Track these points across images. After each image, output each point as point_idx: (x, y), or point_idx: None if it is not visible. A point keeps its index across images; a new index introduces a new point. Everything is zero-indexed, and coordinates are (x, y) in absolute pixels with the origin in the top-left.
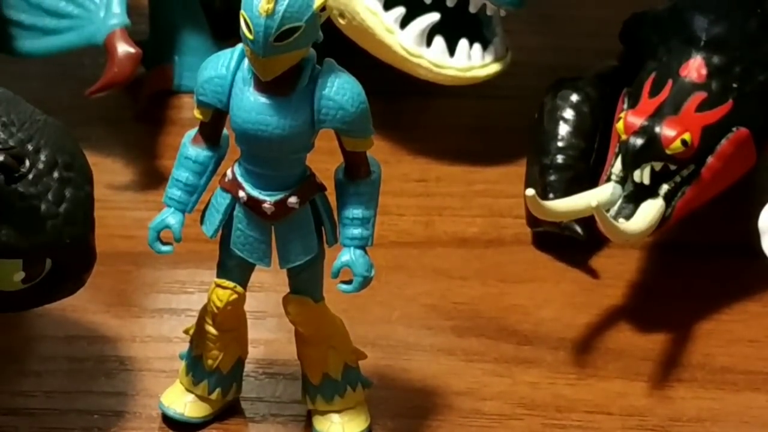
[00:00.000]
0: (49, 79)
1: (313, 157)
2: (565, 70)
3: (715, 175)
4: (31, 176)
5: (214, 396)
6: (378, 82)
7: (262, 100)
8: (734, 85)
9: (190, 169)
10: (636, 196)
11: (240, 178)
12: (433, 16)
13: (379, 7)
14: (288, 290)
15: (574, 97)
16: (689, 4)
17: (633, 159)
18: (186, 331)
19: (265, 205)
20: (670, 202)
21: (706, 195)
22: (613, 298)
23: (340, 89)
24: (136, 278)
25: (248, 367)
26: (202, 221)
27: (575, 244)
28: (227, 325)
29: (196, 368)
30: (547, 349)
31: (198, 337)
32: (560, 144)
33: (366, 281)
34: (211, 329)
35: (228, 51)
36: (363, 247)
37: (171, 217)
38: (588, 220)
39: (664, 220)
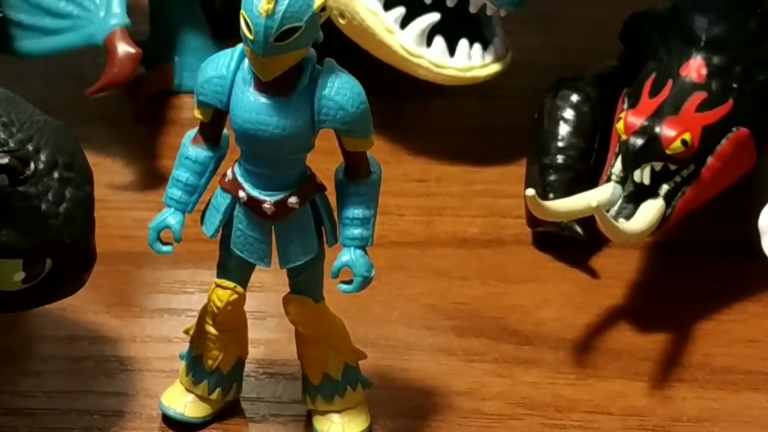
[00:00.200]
0: (49, 79)
1: (313, 157)
2: (565, 70)
3: (715, 175)
4: (31, 176)
5: (214, 396)
6: (378, 82)
7: (262, 100)
8: (734, 85)
9: (190, 169)
10: (636, 196)
11: (240, 178)
12: (433, 16)
13: (379, 7)
14: (288, 290)
15: (574, 97)
16: (689, 4)
17: (633, 159)
18: (186, 331)
19: (265, 205)
20: (670, 202)
21: (706, 195)
22: (613, 298)
23: (341, 89)
24: (136, 278)
25: (248, 367)
26: (202, 221)
27: (575, 244)
28: (227, 325)
29: (196, 368)
30: (547, 349)
31: (198, 337)
32: (560, 144)
33: (366, 281)
34: (211, 329)
35: (228, 51)
36: (363, 247)
37: (171, 217)
38: (588, 220)
39: (664, 220)
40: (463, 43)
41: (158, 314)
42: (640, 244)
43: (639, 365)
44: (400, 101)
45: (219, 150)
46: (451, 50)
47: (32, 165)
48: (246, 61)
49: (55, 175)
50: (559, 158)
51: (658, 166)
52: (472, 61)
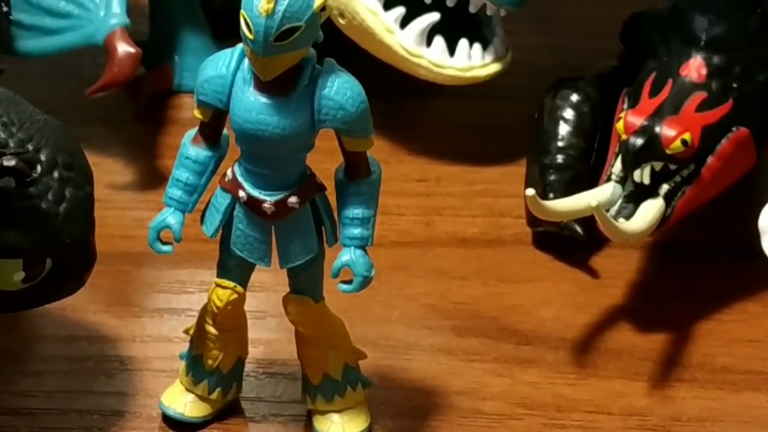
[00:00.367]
0: (49, 79)
1: (313, 157)
2: (565, 70)
3: (715, 175)
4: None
5: (214, 396)
6: (378, 82)
7: (262, 99)
8: (734, 85)
9: (190, 169)
10: (636, 196)
11: (240, 178)
12: (433, 16)
13: (379, 7)
14: (288, 290)
15: (574, 97)
16: (689, 4)
17: (633, 159)
18: (186, 331)
19: (265, 204)
20: (670, 202)
21: (706, 195)
22: (613, 298)
23: (340, 89)
24: (136, 278)
25: (248, 367)
26: (202, 221)
27: (575, 244)
28: (227, 324)
29: (196, 368)
30: (547, 349)
31: (198, 337)
32: (560, 144)
33: (366, 281)
34: (211, 329)
35: (228, 51)
36: (363, 247)
37: (171, 217)
38: (588, 220)
39: (664, 220)
40: (463, 43)
41: (158, 314)
42: (640, 244)
43: (639, 365)
44: (400, 101)
45: (219, 150)
46: (451, 50)
47: (39, 167)
48: (246, 61)
49: (55, 174)
50: (559, 158)
51: (658, 165)
52: (472, 61)
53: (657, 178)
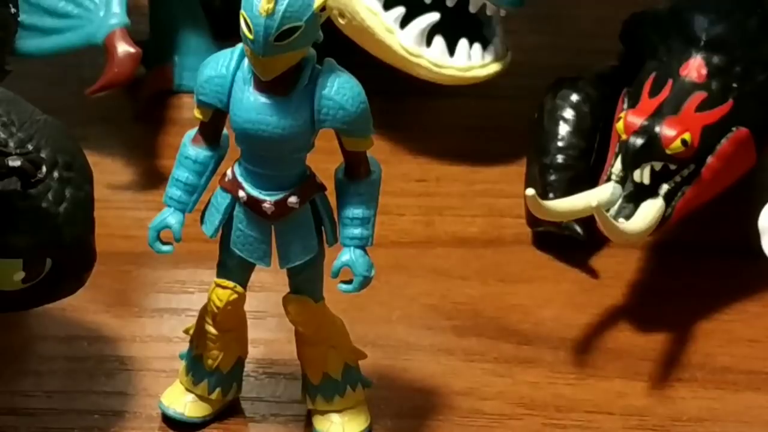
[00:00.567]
0: (49, 79)
1: (313, 157)
2: (565, 70)
3: (715, 175)
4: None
5: (214, 396)
6: (378, 82)
7: (262, 99)
8: (734, 85)
9: (190, 168)
10: (636, 196)
11: (240, 178)
12: (433, 16)
13: (379, 7)
14: (288, 290)
15: (574, 97)
16: (689, 4)
17: (633, 159)
18: (186, 331)
19: (265, 204)
20: (670, 202)
21: (706, 195)
22: (613, 298)
23: (340, 89)
24: (136, 278)
25: (248, 367)
26: (202, 221)
27: (575, 244)
28: (227, 324)
29: (196, 368)
30: (547, 349)
31: (198, 337)
32: (560, 144)
33: (366, 281)
34: (211, 329)
35: (228, 51)
36: (363, 247)
37: (171, 217)
38: (588, 220)
39: (664, 220)
40: (462, 42)
41: (158, 314)
42: (640, 244)
43: (639, 365)
44: (400, 101)
45: (219, 150)
46: (451, 50)
47: (44, 168)
48: (246, 61)
49: (55, 175)
50: (559, 158)
51: (658, 165)
52: (471, 61)
53: (657, 178)
